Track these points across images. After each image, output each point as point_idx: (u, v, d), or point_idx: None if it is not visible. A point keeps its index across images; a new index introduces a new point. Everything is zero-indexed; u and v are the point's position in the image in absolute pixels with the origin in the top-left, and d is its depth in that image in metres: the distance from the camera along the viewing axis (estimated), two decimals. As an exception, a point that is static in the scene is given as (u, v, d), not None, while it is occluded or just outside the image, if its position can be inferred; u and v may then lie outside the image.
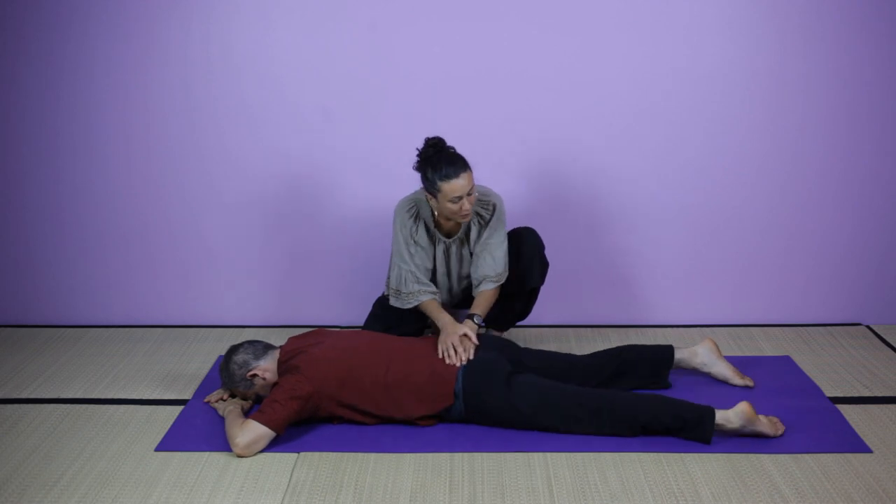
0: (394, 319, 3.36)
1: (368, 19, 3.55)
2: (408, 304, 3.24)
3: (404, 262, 3.21)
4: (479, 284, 3.24)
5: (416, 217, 3.22)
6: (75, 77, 3.62)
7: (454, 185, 2.99)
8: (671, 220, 3.71)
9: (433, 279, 3.29)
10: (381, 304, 3.45)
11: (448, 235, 3.25)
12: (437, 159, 3.02)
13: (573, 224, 3.72)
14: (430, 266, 3.25)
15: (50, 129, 3.69)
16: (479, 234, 3.23)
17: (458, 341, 2.98)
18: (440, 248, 3.25)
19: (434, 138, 3.08)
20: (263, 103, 3.63)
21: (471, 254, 3.27)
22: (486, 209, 3.22)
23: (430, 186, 3.05)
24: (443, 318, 3.14)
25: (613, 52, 3.56)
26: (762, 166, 3.65)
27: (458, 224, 3.22)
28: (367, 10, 3.54)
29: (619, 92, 3.58)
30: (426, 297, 3.22)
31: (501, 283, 3.25)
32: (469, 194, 3.02)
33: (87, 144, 3.70)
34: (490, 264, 3.22)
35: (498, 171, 3.45)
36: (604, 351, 3.17)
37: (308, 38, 3.57)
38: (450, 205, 3.03)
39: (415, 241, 3.21)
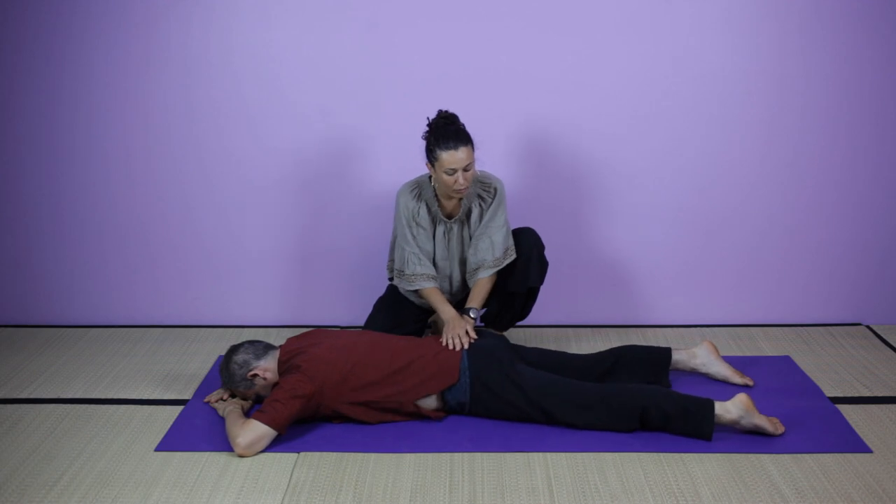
0: (395, 320, 3.36)
1: (368, 19, 3.55)
2: (411, 286, 3.27)
3: (407, 244, 3.23)
4: (476, 270, 3.25)
5: (419, 198, 3.24)
6: (75, 77, 3.63)
7: (452, 156, 3.02)
8: (671, 219, 3.71)
9: (433, 264, 3.30)
10: (382, 304, 3.46)
11: (449, 216, 3.27)
12: (443, 130, 3.06)
13: (573, 224, 3.72)
14: (430, 248, 3.26)
15: (50, 129, 3.69)
16: (481, 217, 3.25)
17: (463, 334, 3.02)
18: (441, 229, 3.26)
19: (447, 111, 3.12)
20: (263, 103, 3.63)
21: (471, 237, 3.28)
22: (488, 192, 3.24)
23: (430, 154, 3.09)
24: (448, 311, 3.17)
25: (613, 52, 3.56)
26: (762, 166, 3.65)
27: (459, 204, 3.24)
28: (367, 10, 3.54)
29: (619, 92, 3.59)
30: (429, 284, 3.25)
31: (500, 268, 3.25)
32: (466, 170, 3.05)
33: (87, 144, 3.70)
34: (488, 248, 3.23)
35: (497, 171, 3.44)
36: (600, 351, 3.17)
37: (308, 38, 3.57)
38: (445, 176, 3.07)
39: (416, 223, 3.23)
